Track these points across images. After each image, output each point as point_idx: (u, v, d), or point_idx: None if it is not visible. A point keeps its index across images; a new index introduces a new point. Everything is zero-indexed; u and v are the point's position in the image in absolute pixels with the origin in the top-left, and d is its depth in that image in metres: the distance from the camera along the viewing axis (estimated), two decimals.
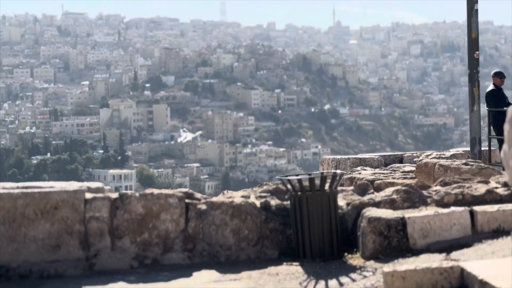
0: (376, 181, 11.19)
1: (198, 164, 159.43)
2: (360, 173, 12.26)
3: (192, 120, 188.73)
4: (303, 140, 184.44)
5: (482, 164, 9.78)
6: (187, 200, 7.72)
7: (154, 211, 7.62)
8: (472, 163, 9.79)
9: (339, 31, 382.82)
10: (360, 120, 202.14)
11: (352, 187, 8.19)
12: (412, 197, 7.71)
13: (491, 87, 14.55)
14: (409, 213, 7.42)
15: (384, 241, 7.24)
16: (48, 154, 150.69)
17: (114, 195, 7.73)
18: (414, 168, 12.38)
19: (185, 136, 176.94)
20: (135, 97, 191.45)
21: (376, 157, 13.57)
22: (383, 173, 12.07)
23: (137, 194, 7.60)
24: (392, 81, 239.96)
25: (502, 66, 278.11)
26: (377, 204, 7.68)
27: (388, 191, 7.92)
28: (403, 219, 7.28)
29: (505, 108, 14.19)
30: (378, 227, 7.19)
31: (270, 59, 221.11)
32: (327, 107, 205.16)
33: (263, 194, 7.93)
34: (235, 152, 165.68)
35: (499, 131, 14.32)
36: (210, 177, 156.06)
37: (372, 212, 7.34)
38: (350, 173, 12.70)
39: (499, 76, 14.83)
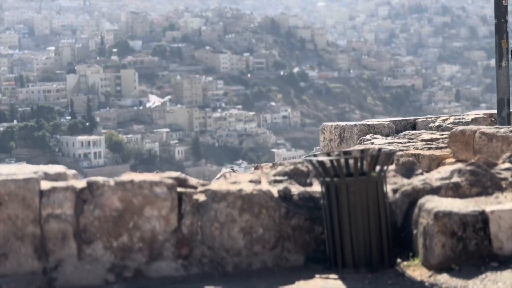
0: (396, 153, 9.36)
1: (167, 129, 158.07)
2: (373, 143, 10.37)
3: (161, 85, 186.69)
4: (273, 103, 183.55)
5: None
6: (179, 189, 5.53)
7: (135, 205, 5.44)
8: None
9: None
10: (329, 82, 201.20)
11: (393, 166, 6.10)
12: (482, 179, 5.62)
13: None
14: (486, 204, 5.38)
15: (457, 245, 5.14)
16: (15, 121, 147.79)
17: (81, 183, 5.52)
18: (435, 136, 10.53)
19: (154, 101, 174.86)
20: (102, 62, 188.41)
21: (387, 123, 11.65)
22: (400, 143, 10.20)
23: (111, 182, 5.45)
24: (361, 43, 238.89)
25: (470, 27, 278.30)
26: (435, 191, 5.60)
27: (445, 171, 5.85)
28: (482, 213, 5.25)
29: None
30: (449, 225, 5.09)
31: (238, 23, 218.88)
32: (296, 70, 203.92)
33: (278, 178, 5.88)
34: (205, 117, 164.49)
35: None
36: (180, 142, 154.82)
37: (435, 203, 5.30)
38: (360, 143, 10.84)
39: None
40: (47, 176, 5.60)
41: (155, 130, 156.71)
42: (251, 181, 5.87)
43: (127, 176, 5.59)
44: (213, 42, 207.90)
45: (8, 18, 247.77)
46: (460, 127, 8.49)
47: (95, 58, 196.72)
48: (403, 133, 11.25)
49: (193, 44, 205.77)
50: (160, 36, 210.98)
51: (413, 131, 11.32)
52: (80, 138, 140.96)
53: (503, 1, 11.03)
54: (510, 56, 11.08)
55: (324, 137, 11.97)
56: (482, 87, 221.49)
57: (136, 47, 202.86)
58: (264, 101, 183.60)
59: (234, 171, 9.92)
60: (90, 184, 5.49)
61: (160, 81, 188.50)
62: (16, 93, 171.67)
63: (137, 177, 5.53)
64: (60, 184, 5.48)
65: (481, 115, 12.03)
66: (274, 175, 5.95)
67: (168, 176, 5.62)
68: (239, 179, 6.01)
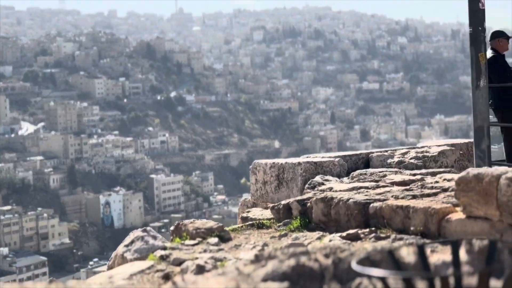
0: (372, 205, 6.89)
1: (41, 157, 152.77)
2: (331, 189, 7.84)
3: (33, 111, 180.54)
4: (150, 128, 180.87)
5: None
6: None
7: None
8: None
9: (182, 18, 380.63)
10: (206, 106, 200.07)
11: (465, 255, 3.43)
12: None
13: (490, 52, 10.16)
14: None
15: None
16: None
17: None
18: (407, 177, 8.10)
19: (26, 128, 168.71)
20: None
21: (337, 160, 9.13)
22: (368, 188, 7.72)
23: None
24: (237, 67, 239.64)
25: (342, 51, 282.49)
26: None
27: None
28: None
29: None
30: None
31: (113, 47, 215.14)
32: (173, 94, 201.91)
33: (272, 286, 3.20)
34: (80, 143, 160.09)
35: (505, 116, 10.21)
36: (54, 170, 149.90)
37: None
38: (310, 187, 8.30)
39: (503, 37, 10.51)
40: None
41: (28, 158, 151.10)
42: None
43: None
44: (88, 67, 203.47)
45: None
46: (475, 170, 6.04)
47: None
48: (358, 172, 8.79)
49: (66, 69, 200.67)
50: (32, 62, 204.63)
51: (371, 170, 8.88)
52: None
53: (480, 4, 8.73)
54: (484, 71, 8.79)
55: (256, 179, 9.35)
56: (356, 109, 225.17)
57: (6, 73, 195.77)
58: (141, 126, 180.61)
59: (147, 232, 7.16)
60: None
61: (33, 107, 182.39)
62: None
63: None
64: None
65: (446, 147, 9.70)
66: (264, 280, 3.31)
67: None
68: None
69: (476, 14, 8.71)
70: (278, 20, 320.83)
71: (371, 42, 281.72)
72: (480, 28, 8.72)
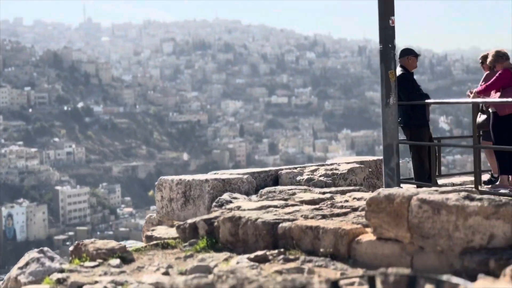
0: (281, 225, 6.67)
1: None
2: (239, 207, 7.61)
3: None
4: (56, 139, 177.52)
5: (497, 198, 5.45)
6: None
7: None
8: (478, 197, 5.47)
9: (90, 27, 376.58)
10: (114, 118, 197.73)
11: None
12: None
13: (399, 70, 10.08)
14: None
15: None
16: None
17: None
18: (317, 196, 7.93)
19: None
20: None
21: (245, 176, 8.91)
22: (277, 206, 7.52)
23: None
24: (146, 78, 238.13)
25: (251, 64, 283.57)
26: None
27: None
28: None
29: (427, 101, 10.03)
30: None
31: (18, 56, 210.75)
32: (80, 105, 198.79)
33: None
34: None
35: (413, 133, 10.15)
36: None
37: None
38: (217, 205, 8.04)
39: (412, 55, 10.44)
40: None
41: None
42: None
43: None
44: None
45: None
46: (386, 191, 5.88)
47: None
48: (267, 189, 8.59)
49: None
50: None
51: (280, 187, 8.69)
52: None
53: (390, 22, 8.65)
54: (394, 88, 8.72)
55: (162, 196, 9.04)
56: (264, 122, 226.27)
57: None
58: (47, 137, 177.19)
59: (44, 252, 6.78)
60: None
61: None
62: None
63: None
64: None
65: (355, 165, 9.58)
66: None
67: None
68: None
69: (386, 31, 8.64)
70: (188, 32, 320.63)
71: (280, 56, 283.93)
72: (390, 46, 8.64)
